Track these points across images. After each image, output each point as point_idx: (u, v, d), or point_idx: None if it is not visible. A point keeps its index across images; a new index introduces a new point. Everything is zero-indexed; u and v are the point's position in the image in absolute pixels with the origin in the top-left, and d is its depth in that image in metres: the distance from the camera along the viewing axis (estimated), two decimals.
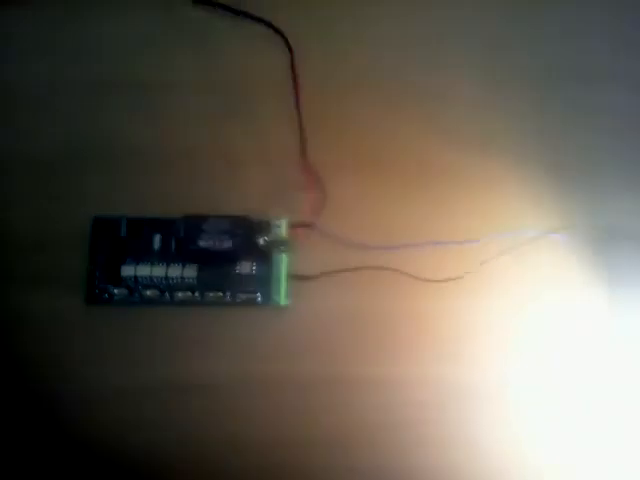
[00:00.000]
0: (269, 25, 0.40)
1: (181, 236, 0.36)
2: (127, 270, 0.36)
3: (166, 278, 0.36)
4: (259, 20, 0.41)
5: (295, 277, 0.36)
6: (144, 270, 0.36)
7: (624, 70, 0.40)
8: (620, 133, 0.39)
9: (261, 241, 0.36)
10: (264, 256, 0.36)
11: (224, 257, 0.36)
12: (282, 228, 0.36)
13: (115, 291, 0.36)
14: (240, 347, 0.36)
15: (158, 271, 0.36)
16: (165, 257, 0.37)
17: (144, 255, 0.37)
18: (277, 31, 0.40)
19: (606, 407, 0.35)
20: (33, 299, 0.36)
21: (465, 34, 0.41)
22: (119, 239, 0.37)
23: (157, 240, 0.37)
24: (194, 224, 0.36)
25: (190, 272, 0.36)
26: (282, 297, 0.36)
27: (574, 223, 0.37)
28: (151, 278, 0.36)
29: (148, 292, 0.36)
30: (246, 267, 0.36)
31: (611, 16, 0.41)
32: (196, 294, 0.36)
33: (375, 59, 0.40)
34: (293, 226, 0.37)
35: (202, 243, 0.36)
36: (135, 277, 0.36)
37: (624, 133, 0.39)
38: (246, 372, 0.36)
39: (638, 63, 0.40)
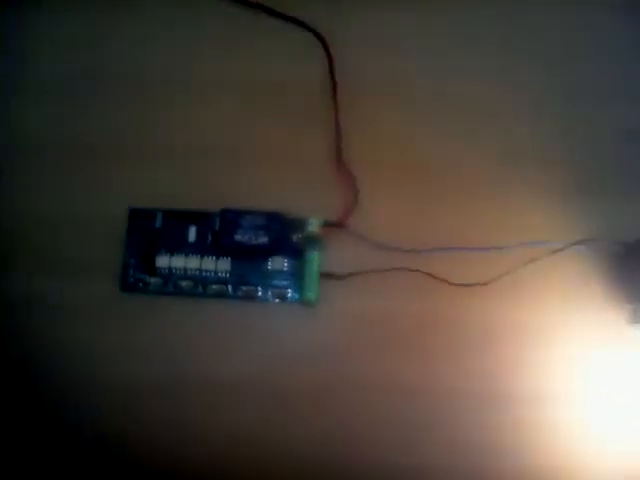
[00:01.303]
0: (308, 28, 0.41)
1: (217, 229, 0.37)
2: (162, 261, 0.37)
3: (200, 270, 0.37)
4: (299, 23, 0.41)
5: (325, 276, 0.37)
6: (178, 261, 0.37)
7: None
8: None
9: (295, 238, 0.37)
10: (297, 253, 0.37)
11: (258, 252, 0.37)
12: (315, 226, 0.37)
13: (150, 280, 0.37)
14: (269, 342, 0.37)
15: (192, 263, 0.37)
16: (200, 249, 0.37)
17: (179, 247, 0.37)
18: (316, 34, 0.41)
19: (628, 417, 0.36)
20: (71, 285, 0.37)
21: (496, 43, 0.41)
22: (154, 230, 0.38)
23: (192, 232, 0.38)
24: (231, 218, 0.37)
25: (224, 265, 0.37)
26: (313, 294, 0.36)
27: (601, 235, 0.37)
28: (185, 269, 0.37)
29: (182, 283, 0.37)
30: (279, 263, 0.37)
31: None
32: (229, 287, 0.37)
33: (412, 65, 0.41)
34: (326, 225, 0.38)
35: (238, 237, 0.37)
36: (169, 268, 0.37)
37: None
38: (273, 368, 0.37)
39: None
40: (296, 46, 0.41)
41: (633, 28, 0.41)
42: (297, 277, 0.37)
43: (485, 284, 0.37)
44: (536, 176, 0.39)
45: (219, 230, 0.37)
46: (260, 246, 0.37)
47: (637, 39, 0.41)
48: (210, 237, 0.38)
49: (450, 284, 0.37)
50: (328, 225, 0.38)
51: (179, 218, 0.38)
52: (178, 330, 0.37)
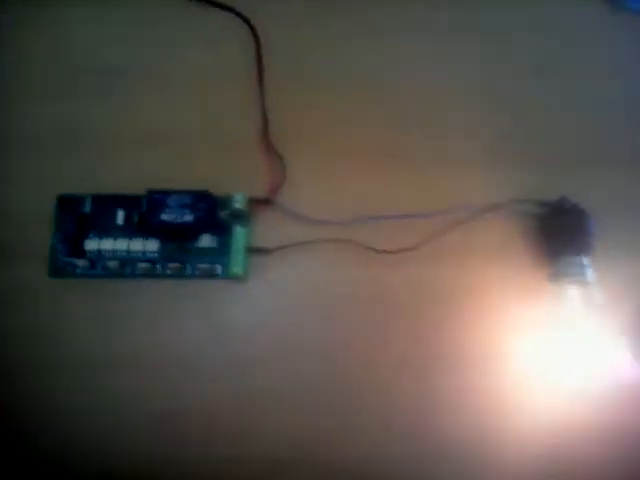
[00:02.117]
0: (236, 13, 0.42)
1: (144, 211, 0.37)
2: (90, 244, 0.37)
3: (128, 251, 0.37)
4: (226, 8, 0.42)
5: (254, 250, 0.37)
6: (107, 244, 0.37)
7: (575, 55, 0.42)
8: (570, 111, 0.41)
9: (221, 215, 0.37)
10: (224, 230, 0.37)
11: (185, 231, 0.37)
12: (241, 203, 0.37)
13: (78, 264, 0.37)
14: (199, 319, 0.37)
15: (121, 245, 0.37)
16: (128, 231, 0.37)
17: (107, 230, 0.38)
18: (243, 18, 0.42)
19: (551, 372, 0.36)
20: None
21: (420, 21, 0.43)
22: (83, 215, 0.38)
23: (120, 215, 0.38)
24: (157, 199, 0.37)
25: (152, 245, 0.37)
26: (240, 269, 0.37)
27: (523, 197, 0.38)
28: (114, 252, 0.37)
29: (110, 265, 0.37)
30: (206, 240, 0.37)
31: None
32: (157, 267, 0.37)
33: (335, 46, 0.42)
34: (254, 201, 0.38)
35: (164, 217, 0.37)
36: (98, 251, 0.37)
37: (574, 111, 0.40)
38: (205, 343, 0.37)
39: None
40: (225, 30, 0.42)
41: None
42: (225, 253, 0.37)
43: (412, 250, 0.37)
44: (458, 143, 0.40)
45: (145, 211, 0.37)
46: (187, 224, 0.37)
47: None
48: (137, 219, 0.38)
49: (377, 252, 0.37)
50: (256, 201, 0.38)
51: (107, 202, 0.38)
52: (109, 311, 0.37)
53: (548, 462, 0.35)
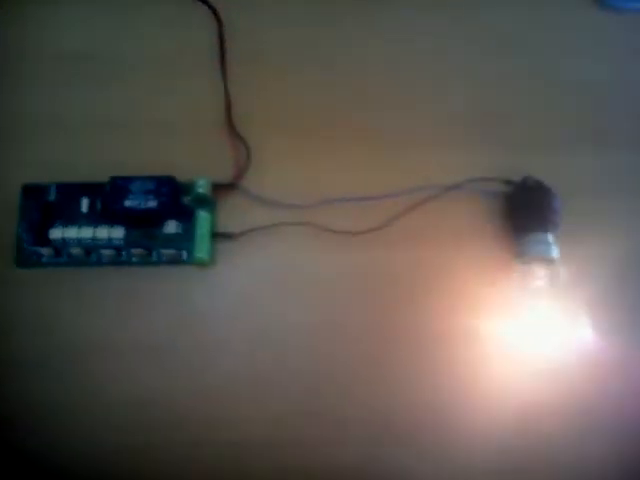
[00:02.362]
0: None
1: (108, 197, 0.37)
2: (55, 233, 0.37)
3: (93, 239, 0.37)
4: None
5: (219, 235, 0.37)
6: (72, 232, 0.37)
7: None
8: (538, 92, 0.41)
9: (185, 200, 0.37)
10: (189, 215, 0.37)
11: (150, 217, 0.37)
12: (205, 188, 0.37)
13: (43, 253, 0.37)
14: (167, 305, 0.37)
15: (86, 233, 0.37)
16: (93, 219, 0.37)
17: (72, 218, 0.37)
18: (206, 3, 0.42)
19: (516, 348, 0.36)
20: None
21: (386, 2, 0.42)
22: (48, 204, 0.38)
23: (85, 203, 0.38)
24: (120, 185, 0.37)
25: (117, 233, 0.37)
26: (204, 254, 0.37)
27: (491, 177, 0.38)
28: (79, 240, 0.37)
29: (76, 253, 0.37)
30: (171, 226, 0.37)
31: None
32: (123, 254, 0.37)
33: (302, 31, 0.42)
34: (218, 186, 0.38)
35: (128, 203, 0.37)
36: (63, 239, 0.37)
37: (541, 92, 0.41)
38: (174, 329, 0.37)
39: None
40: (188, 15, 0.42)
41: None
42: (190, 239, 0.37)
43: (377, 230, 0.37)
44: (424, 124, 0.40)
45: (109, 197, 0.37)
46: (151, 210, 0.37)
47: None
48: (101, 206, 0.37)
49: (342, 234, 0.37)
50: (220, 186, 0.38)
51: (72, 190, 0.38)
52: (77, 299, 0.37)
53: (516, 435, 0.35)
